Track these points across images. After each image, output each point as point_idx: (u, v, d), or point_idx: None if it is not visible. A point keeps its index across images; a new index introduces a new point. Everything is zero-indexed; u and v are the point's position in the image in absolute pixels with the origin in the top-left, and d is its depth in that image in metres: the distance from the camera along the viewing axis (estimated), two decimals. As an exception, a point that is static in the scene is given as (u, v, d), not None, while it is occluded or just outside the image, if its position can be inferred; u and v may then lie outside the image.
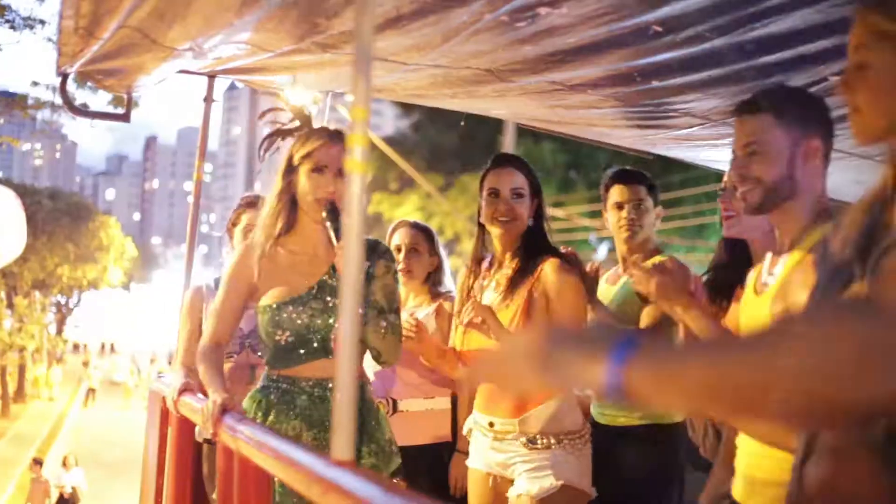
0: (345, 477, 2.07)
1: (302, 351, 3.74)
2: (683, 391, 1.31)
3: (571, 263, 4.08)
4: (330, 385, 3.63)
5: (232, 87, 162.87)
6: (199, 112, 5.75)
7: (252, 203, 5.02)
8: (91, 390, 44.02)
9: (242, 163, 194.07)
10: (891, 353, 1.14)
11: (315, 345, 3.73)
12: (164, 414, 4.82)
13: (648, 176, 4.77)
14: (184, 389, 4.28)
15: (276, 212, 3.81)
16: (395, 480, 3.81)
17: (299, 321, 3.72)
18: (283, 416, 3.70)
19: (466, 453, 4.56)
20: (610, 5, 3.31)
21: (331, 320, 3.70)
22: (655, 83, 4.33)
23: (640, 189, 4.69)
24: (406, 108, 35.90)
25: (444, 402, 4.93)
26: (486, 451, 4.12)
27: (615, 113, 5.06)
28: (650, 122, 5.20)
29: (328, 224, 3.66)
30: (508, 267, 4.13)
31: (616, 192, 4.71)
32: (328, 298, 3.74)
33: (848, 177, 5.36)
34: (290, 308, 3.73)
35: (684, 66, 3.99)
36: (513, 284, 4.06)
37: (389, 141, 26.61)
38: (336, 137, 3.73)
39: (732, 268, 3.75)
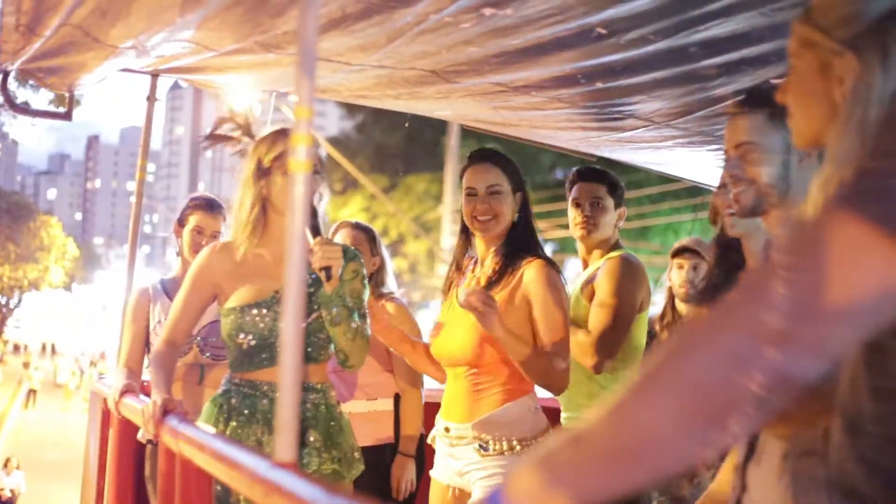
0: (287, 478, 2.06)
1: (264, 355, 3.70)
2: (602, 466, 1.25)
3: (555, 265, 3.92)
4: None
5: (175, 86, 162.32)
6: (142, 111, 5.70)
7: (200, 205, 4.97)
8: (32, 392, 43.45)
9: (186, 162, 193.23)
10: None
11: (277, 350, 3.68)
12: (106, 415, 4.79)
13: (611, 175, 4.69)
14: (125, 391, 4.24)
15: (252, 215, 3.76)
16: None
17: (262, 325, 3.69)
18: (244, 420, 3.67)
19: (408, 455, 4.53)
20: (554, 7, 3.32)
21: None
22: (599, 85, 4.34)
23: (600, 187, 4.60)
24: (350, 109, 35.90)
25: (386, 404, 4.91)
26: (444, 459, 3.95)
27: (559, 115, 5.08)
28: (594, 124, 5.22)
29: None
30: (488, 266, 3.94)
31: (575, 190, 4.64)
32: None
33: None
34: (254, 311, 3.71)
35: (628, 68, 4.01)
36: (489, 285, 3.85)
37: (333, 142, 26.66)
38: None
39: (729, 270, 3.74)
